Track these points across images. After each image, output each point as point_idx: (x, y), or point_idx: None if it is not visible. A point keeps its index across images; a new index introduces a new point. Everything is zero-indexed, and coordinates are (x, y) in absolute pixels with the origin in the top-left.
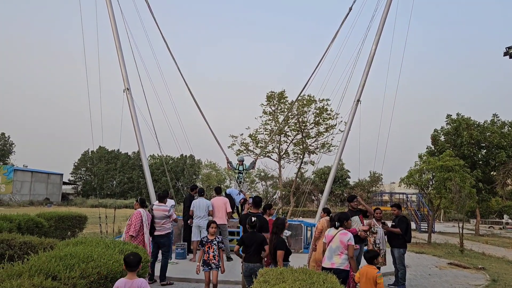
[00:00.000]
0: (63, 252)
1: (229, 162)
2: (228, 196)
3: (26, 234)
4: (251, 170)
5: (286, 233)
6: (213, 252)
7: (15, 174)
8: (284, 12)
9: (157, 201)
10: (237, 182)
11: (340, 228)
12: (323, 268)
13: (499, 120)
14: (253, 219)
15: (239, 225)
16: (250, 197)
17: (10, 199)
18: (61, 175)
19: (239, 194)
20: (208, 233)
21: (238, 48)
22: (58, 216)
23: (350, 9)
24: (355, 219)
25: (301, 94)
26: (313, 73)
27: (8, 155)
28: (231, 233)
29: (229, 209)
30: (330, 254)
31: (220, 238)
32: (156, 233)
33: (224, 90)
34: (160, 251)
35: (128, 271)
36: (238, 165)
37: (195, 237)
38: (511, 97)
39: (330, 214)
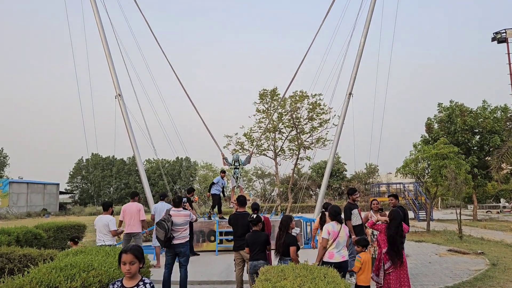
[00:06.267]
0: (63, 263)
1: (224, 158)
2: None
3: (25, 247)
4: (247, 165)
5: (297, 230)
6: None
7: (10, 186)
8: (282, 5)
9: (173, 207)
10: (233, 177)
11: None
12: (327, 263)
13: (489, 105)
14: (253, 216)
15: (228, 225)
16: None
17: (7, 212)
18: (57, 184)
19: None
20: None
21: (231, 45)
22: (57, 227)
23: None
24: (355, 212)
25: (294, 90)
26: (301, 63)
27: (2, 168)
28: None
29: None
30: (339, 248)
31: (148, 284)
32: (175, 241)
33: (219, 91)
34: (175, 264)
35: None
36: (233, 161)
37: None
38: (500, 82)
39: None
